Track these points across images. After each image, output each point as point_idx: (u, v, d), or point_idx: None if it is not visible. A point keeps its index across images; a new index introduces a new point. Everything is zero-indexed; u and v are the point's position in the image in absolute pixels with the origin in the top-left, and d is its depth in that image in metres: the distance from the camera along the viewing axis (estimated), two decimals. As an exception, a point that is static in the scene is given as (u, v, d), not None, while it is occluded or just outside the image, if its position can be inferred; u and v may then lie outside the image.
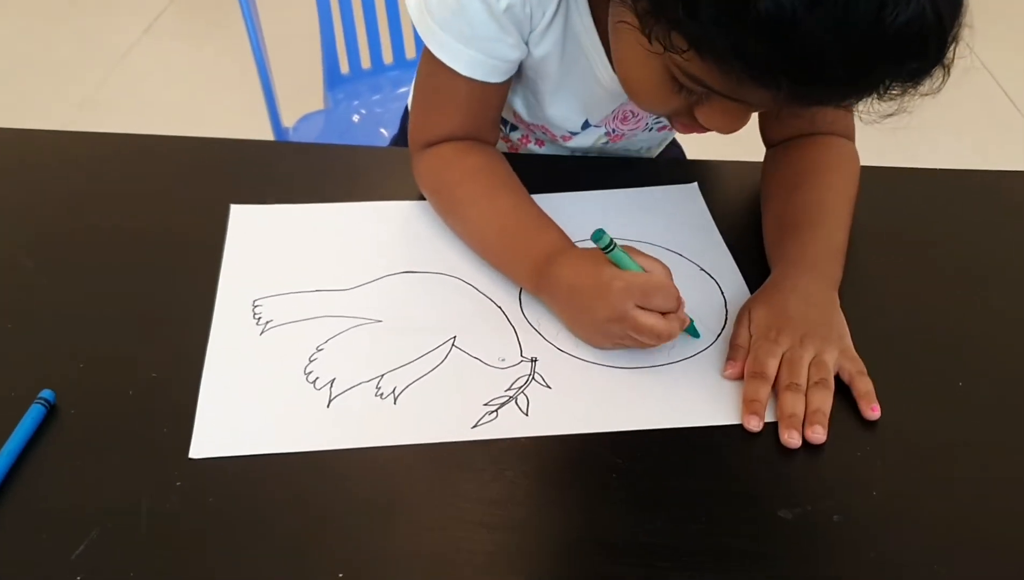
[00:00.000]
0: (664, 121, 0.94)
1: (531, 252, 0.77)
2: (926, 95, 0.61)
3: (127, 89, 2.46)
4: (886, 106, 0.62)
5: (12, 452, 0.63)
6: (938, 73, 0.59)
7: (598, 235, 0.70)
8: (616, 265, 0.71)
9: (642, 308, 0.69)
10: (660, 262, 0.72)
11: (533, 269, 0.76)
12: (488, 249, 0.81)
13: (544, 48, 0.82)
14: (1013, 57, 2.72)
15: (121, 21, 2.75)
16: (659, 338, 0.70)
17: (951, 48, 0.58)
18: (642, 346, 0.71)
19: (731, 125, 0.69)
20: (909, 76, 0.59)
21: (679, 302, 0.70)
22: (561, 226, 0.79)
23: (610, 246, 0.70)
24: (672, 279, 0.71)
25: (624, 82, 0.74)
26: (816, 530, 0.61)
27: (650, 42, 0.62)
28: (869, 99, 0.61)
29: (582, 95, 0.88)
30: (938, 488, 0.65)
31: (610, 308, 0.70)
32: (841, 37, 0.54)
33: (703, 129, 0.72)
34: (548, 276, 0.75)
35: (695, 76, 0.63)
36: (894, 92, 0.60)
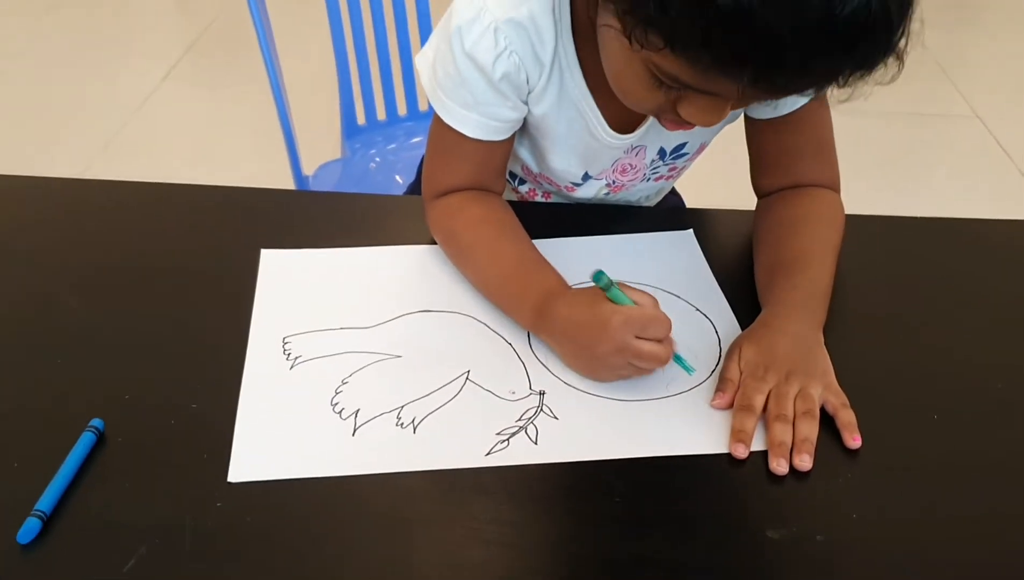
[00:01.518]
0: (661, 171, 1.01)
1: (530, 294, 0.83)
2: (881, 84, 0.67)
3: (147, 135, 2.52)
4: (841, 93, 0.68)
5: (67, 475, 0.68)
6: (892, 63, 0.66)
7: (598, 276, 0.76)
8: (613, 301, 0.77)
9: (640, 338, 0.75)
10: (648, 294, 0.78)
11: (532, 309, 0.82)
12: (492, 292, 0.87)
13: (542, 107, 0.90)
14: (1005, 106, 2.78)
15: (141, 68, 2.82)
16: (659, 362, 0.76)
17: (901, 38, 0.64)
18: (641, 373, 0.77)
19: (709, 119, 0.74)
20: (861, 63, 0.65)
21: (670, 328, 0.76)
22: (563, 269, 0.85)
23: (609, 285, 0.76)
24: (659, 308, 0.77)
25: (612, 83, 0.79)
26: (801, 549, 0.66)
27: (630, 42, 0.68)
28: (828, 87, 0.67)
29: (581, 150, 0.95)
30: (914, 511, 0.70)
31: (611, 341, 0.75)
32: (795, 27, 0.60)
33: (688, 125, 0.77)
34: (547, 315, 0.80)
35: (670, 72, 0.69)
36: (850, 80, 0.66)
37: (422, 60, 0.92)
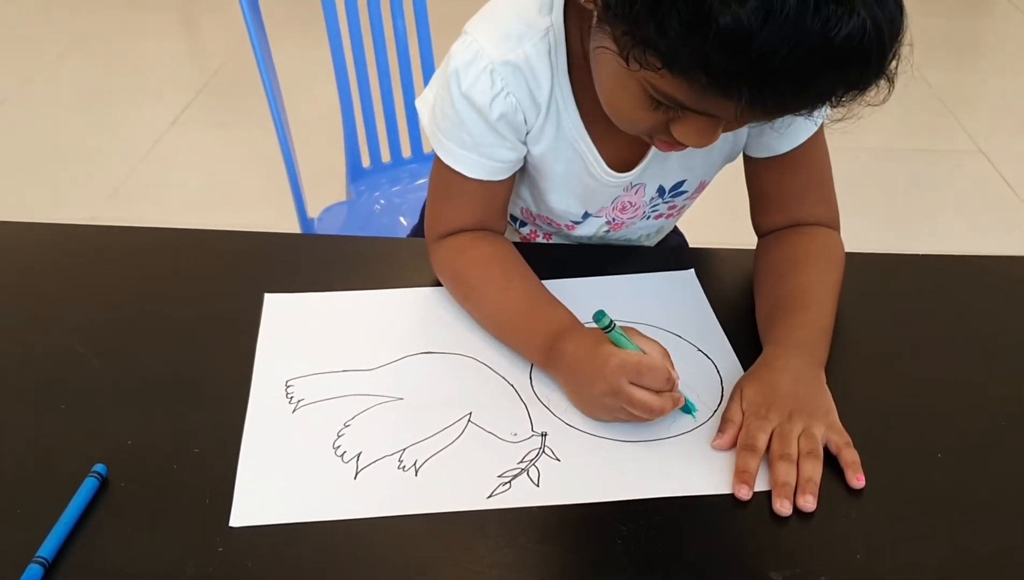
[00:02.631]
0: (660, 209, 1.01)
1: (542, 330, 0.83)
2: (873, 105, 0.68)
3: (155, 180, 2.54)
4: (836, 112, 0.69)
5: (69, 521, 0.68)
6: (884, 85, 0.67)
7: (599, 316, 0.76)
8: (615, 345, 0.77)
9: (635, 385, 0.75)
10: (658, 344, 0.78)
11: (543, 346, 0.82)
12: (502, 329, 0.87)
13: (541, 147, 0.91)
14: (1008, 141, 2.79)
15: (149, 114, 2.84)
16: (651, 412, 0.75)
17: (892, 61, 0.66)
18: (636, 419, 0.77)
19: (702, 140, 0.75)
20: (855, 83, 0.66)
21: (671, 382, 0.76)
22: (567, 309, 0.86)
23: (610, 326, 0.76)
24: (670, 361, 0.77)
25: (606, 105, 0.80)
26: (805, 591, 0.66)
27: (628, 64, 0.69)
28: (822, 107, 0.68)
29: (580, 190, 0.96)
30: (918, 551, 0.69)
31: (605, 382, 0.76)
32: (792, 48, 0.61)
33: (680, 146, 0.78)
34: (556, 352, 0.81)
35: (667, 93, 0.70)
36: (844, 100, 0.67)
37: (422, 103, 0.93)
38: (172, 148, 2.70)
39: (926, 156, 2.72)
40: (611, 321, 0.77)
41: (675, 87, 0.68)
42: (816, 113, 0.71)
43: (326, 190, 1.68)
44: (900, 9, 0.65)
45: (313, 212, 1.52)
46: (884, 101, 0.68)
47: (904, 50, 0.66)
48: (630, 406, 0.75)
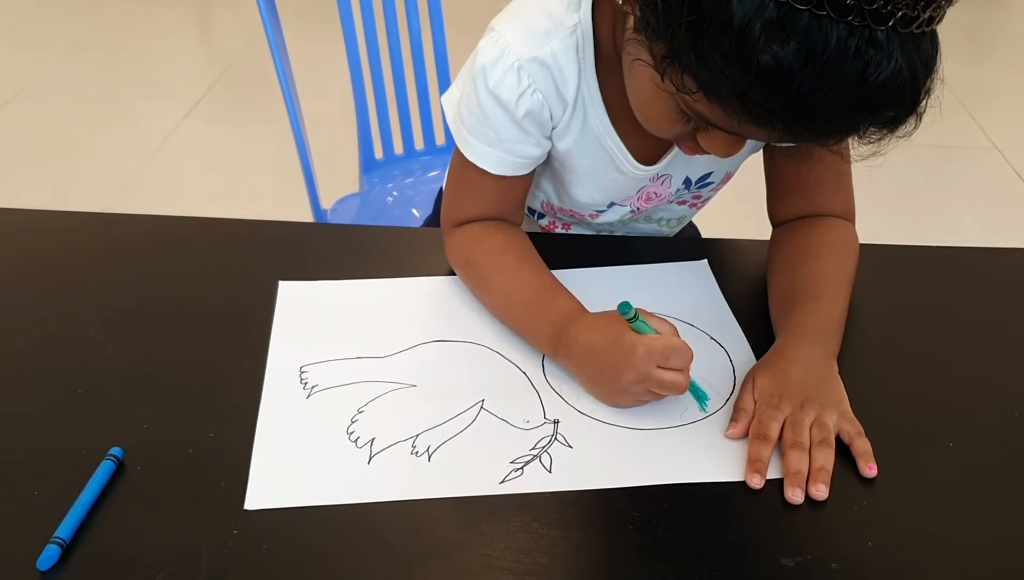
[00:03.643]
0: (685, 196, 1.02)
1: (549, 319, 0.84)
2: (900, 137, 0.69)
3: (168, 173, 2.55)
4: (865, 149, 0.70)
5: (86, 503, 0.69)
6: (912, 120, 0.67)
7: (625, 307, 0.77)
8: (636, 331, 0.78)
9: (661, 367, 0.76)
10: (669, 322, 0.79)
11: (552, 333, 0.83)
12: (511, 317, 0.88)
13: (567, 143, 0.91)
14: (1023, 137, 2.79)
15: (162, 107, 2.86)
16: (679, 391, 0.77)
17: (924, 99, 0.66)
18: (658, 398, 0.78)
19: (728, 151, 0.77)
20: (886, 123, 0.67)
21: (691, 357, 0.77)
22: (582, 299, 0.86)
23: (634, 317, 0.77)
24: (679, 336, 0.79)
25: (636, 109, 0.81)
26: (816, 577, 0.66)
27: (662, 80, 0.69)
28: (850, 138, 0.69)
29: (605, 183, 0.96)
30: (929, 539, 0.70)
31: (634, 369, 0.76)
32: (830, 91, 0.62)
33: (705, 152, 0.79)
34: (565, 339, 0.81)
35: (700, 113, 0.70)
36: (873, 136, 0.68)
37: (448, 99, 0.94)
38: (185, 142, 2.71)
39: (940, 152, 2.71)
40: (635, 311, 0.77)
41: (709, 110, 0.69)
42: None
43: (340, 183, 1.68)
44: (935, 45, 0.65)
45: (326, 204, 1.52)
46: (909, 135, 0.69)
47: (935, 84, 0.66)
48: (659, 389, 0.77)
